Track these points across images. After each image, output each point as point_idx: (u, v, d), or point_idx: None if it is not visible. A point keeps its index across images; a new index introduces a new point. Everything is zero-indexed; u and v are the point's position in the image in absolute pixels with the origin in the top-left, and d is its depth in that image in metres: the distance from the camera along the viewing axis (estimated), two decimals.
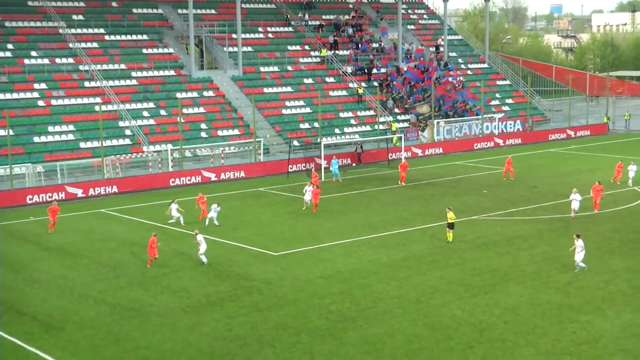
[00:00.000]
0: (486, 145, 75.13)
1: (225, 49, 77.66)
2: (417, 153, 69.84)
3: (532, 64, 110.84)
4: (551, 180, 58.26)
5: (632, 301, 30.88)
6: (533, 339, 26.84)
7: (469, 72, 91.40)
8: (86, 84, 67.93)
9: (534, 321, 28.52)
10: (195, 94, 71.33)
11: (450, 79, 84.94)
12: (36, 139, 61.20)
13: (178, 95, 68.60)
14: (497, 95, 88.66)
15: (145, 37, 76.56)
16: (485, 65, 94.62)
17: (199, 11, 80.00)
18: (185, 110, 65.80)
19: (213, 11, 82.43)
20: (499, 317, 28.98)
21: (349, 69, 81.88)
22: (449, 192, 54.09)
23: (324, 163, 59.61)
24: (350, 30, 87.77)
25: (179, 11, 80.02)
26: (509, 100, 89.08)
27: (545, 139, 79.33)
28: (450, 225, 39.37)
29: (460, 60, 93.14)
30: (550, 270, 35.19)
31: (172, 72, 73.28)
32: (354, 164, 63.19)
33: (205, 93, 72.23)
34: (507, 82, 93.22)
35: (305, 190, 48.17)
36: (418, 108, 79.39)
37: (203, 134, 67.39)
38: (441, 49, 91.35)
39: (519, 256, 37.76)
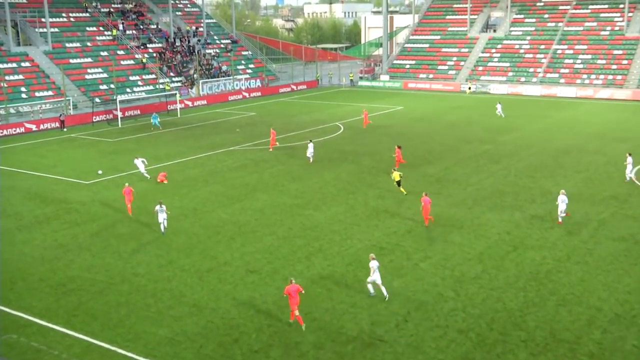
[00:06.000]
0: (237, 97, 79.73)
1: (36, 29, 74.88)
2: (188, 104, 72.96)
3: (265, 40, 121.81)
4: (283, 119, 62.40)
5: (337, 199, 35.24)
6: (274, 228, 30.30)
7: (222, 45, 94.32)
8: None
9: (274, 217, 32.01)
10: (14, 65, 68.64)
11: (207, 50, 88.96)
12: None
13: (0, 66, 66.01)
14: (242, 62, 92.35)
15: None
16: (233, 41, 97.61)
17: (12, 0, 76.42)
18: (7, 78, 63.75)
19: (24, 0, 78.89)
20: (252, 216, 32.20)
21: (135, 44, 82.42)
22: (212, 132, 56.38)
23: (120, 114, 61.36)
24: (133, 16, 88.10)
25: None
26: (251, 65, 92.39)
27: (277, 92, 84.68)
28: None
29: (215, 37, 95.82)
30: (284, 182, 38.78)
31: None
32: (64, 129, 58.59)
33: (22, 64, 69.56)
34: (249, 52, 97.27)
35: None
36: (184, 73, 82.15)
37: (23, 95, 65.47)
38: (200, 28, 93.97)
39: (263, 174, 41.08)
